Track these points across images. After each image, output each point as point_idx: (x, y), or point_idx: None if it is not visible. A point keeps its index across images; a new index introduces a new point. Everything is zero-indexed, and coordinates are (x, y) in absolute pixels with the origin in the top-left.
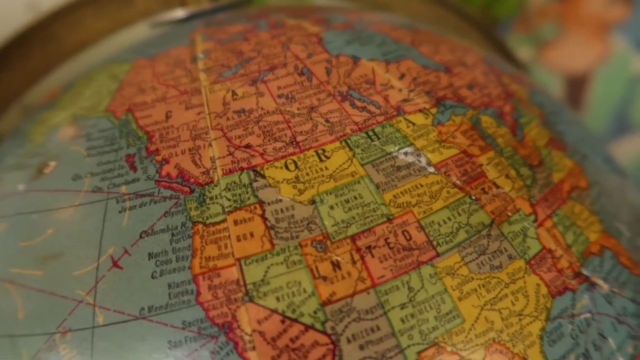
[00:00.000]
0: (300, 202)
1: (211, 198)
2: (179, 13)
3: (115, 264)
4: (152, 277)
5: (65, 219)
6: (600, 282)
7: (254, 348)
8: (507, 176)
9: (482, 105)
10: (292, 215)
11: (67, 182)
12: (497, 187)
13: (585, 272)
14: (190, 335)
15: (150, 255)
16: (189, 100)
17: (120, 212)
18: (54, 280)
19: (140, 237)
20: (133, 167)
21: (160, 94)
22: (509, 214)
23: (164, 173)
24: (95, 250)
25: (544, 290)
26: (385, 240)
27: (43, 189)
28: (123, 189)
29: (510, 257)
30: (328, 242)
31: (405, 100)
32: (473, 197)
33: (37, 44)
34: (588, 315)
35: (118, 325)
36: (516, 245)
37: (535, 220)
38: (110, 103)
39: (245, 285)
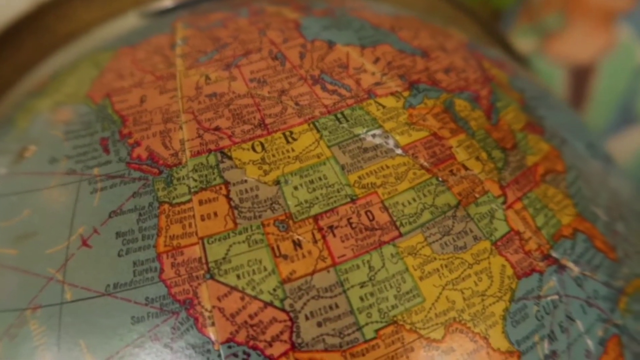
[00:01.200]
0: (265, 183)
1: (178, 179)
2: (168, 2)
3: (84, 243)
4: (119, 255)
5: (41, 200)
6: (570, 264)
7: (213, 324)
8: (478, 158)
9: (457, 89)
10: (256, 196)
11: (44, 165)
12: (466, 169)
13: (554, 254)
14: (152, 311)
15: (117, 234)
16: (164, 85)
17: (91, 193)
18: (27, 258)
19: (109, 216)
20: (106, 150)
21: (137, 80)
22: (477, 195)
23: (134, 155)
24: (67, 229)
25: (509, 271)
26: (348, 220)
27: (22, 172)
28: (95, 170)
29: (475, 238)
30: (290, 222)
31: (377, 84)
32: (440, 179)
33: (28, 36)
34: (555, 297)
35: (85, 301)
36: (482, 227)
37: (504, 202)
38: (90, 89)
39: (207, 263)
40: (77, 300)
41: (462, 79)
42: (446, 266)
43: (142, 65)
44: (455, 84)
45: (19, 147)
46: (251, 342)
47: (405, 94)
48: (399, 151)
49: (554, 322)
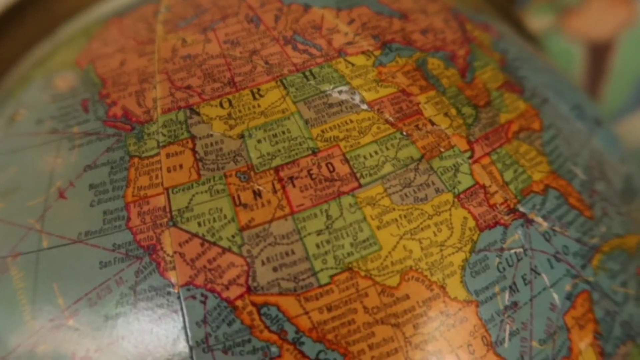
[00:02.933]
0: (230, 137)
1: (149, 134)
2: None
3: (61, 195)
4: (91, 205)
5: (26, 158)
6: (539, 219)
7: (174, 268)
8: (446, 114)
9: (432, 48)
10: (221, 149)
11: (32, 126)
12: (433, 124)
13: (522, 209)
14: (118, 257)
15: (91, 186)
16: (143, 49)
17: (70, 149)
18: (11, 211)
19: (84, 170)
20: (86, 110)
21: (120, 45)
22: (442, 149)
23: (111, 114)
24: (46, 183)
25: (471, 223)
26: (308, 171)
27: (13, 134)
28: (75, 129)
29: (437, 191)
30: (252, 173)
31: (349, 43)
32: (404, 133)
33: (30, 14)
34: (519, 250)
35: (59, 248)
36: (445, 180)
37: (470, 157)
38: (79, 56)
39: (170, 211)
40: (52, 247)
41: (439, 40)
42: (405, 216)
43: (127, 32)
44: (431, 44)
45: (12, 111)
46: (209, 285)
47: (377, 52)
48: (364, 106)
49: (516, 275)
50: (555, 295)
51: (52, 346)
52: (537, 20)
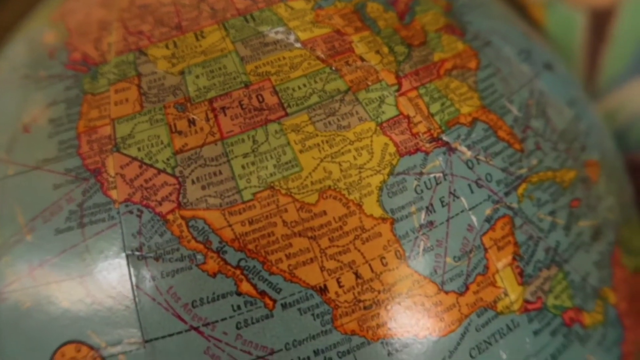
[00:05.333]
0: (171, 73)
1: (102, 74)
2: None
3: (25, 129)
4: (49, 136)
5: (2, 100)
6: (462, 148)
7: (115, 187)
8: (378, 52)
9: None
10: (163, 84)
11: (9, 74)
12: (363, 60)
13: (445, 138)
14: (69, 179)
15: (50, 121)
16: (106, 2)
17: (36, 90)
18: None
19: (46, 107)
20: (52, 57)
21: (88, 1)
22: (369, 83)
23: (72, 58)
24: (15, 121)
25: (391, 149)
26: (240, 102)
27: None
28: (42, 73)
29: (360, 119)
30: (188, 104)
31: None
32: (333, 68)
33: None
34: (439, 174)
35: (21, 174)
36: (370, 110)
37: (397, 90)
38: (53, 14)
39: (115, 139)
40: (16, 174)
41: None
42: (327, 142)
43: None
44: None
45: None
46: (144, 202)
47: None
48: (297, 45)
49: (434, 197)
50: (474, 218)
51: (12, 258)
52: None
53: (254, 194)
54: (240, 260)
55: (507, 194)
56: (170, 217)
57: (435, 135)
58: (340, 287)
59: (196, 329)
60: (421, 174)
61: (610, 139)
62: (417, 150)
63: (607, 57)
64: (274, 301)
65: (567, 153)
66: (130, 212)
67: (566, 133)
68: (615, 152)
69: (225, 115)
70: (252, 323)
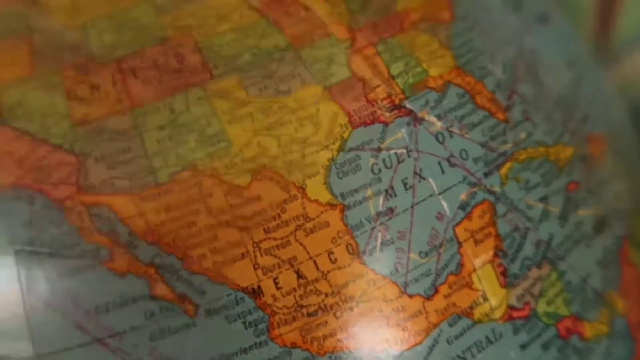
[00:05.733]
0: (70, 28)
1: None
2: None
3: None
4: None
5: None
6: (431, 118)
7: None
8: (327, 0)
9: None
10: (60, 41)
11: None
12: (308, 10)
13: (410, 105)
14: None
15: None
16: None
17: None
18: None
19: None
20: None
21: None
22: (315, 38)
23: None
24: None
25: (342, 119)
26: (154, 62)
27: None
28: None
29: (303, 83)
30: (91, 65)
31: None
32: (270, 20)
33: None
34: (401, 151)
35: None
36: (315, 71)
37: (350, 47)
38: None
39: (1, 109)
40: None
41: None
42: (262, 110)
43: None
44: None
45: None
46: (37, 185)
47: None
48: None
49: (395, 178)
50: (445, 204)
51: None
52: None
53: (171, 175)
54: (154, 256)
55: (487, 174)
56: (68, 203)
57: (397, 102)
58: (278, 289)
59: (100, 340)
60: (379, 149)
61: (621, 110)
62: (375, 120)
63: (622, 19)
64: (196, 306)
65: (564, 125)
66: (19, 197)
67: (563, 100)
68: (627, 126)
69: (136, 78)
70: (170, 334)
